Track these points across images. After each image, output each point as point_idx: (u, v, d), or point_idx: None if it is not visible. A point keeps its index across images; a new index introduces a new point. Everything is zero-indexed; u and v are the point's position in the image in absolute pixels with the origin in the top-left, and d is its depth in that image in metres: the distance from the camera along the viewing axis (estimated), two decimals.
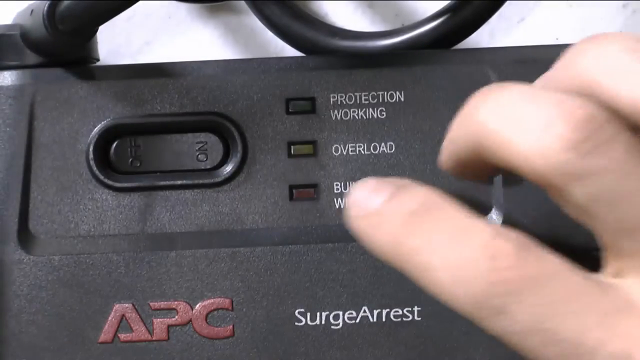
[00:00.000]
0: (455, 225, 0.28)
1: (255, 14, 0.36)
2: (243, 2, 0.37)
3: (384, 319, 0.32)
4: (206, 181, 0.33)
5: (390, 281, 0.32)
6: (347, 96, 0.33)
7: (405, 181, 0.29)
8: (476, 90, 0.27)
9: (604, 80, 0.28)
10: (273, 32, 0.36)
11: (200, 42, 0.40)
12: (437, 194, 0.29)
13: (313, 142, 0.33)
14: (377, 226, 0.29)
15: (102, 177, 0.33)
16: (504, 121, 0.27)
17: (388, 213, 0.28)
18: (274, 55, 0.39)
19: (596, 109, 0.27)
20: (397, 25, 0.38)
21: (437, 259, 0.28)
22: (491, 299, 0.27)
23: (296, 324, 0.33)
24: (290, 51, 0.37)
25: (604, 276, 0.28)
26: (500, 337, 0.28)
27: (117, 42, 0.40)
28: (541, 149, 0.27)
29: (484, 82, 0.31)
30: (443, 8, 0.36)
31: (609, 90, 0.27)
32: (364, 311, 0.32)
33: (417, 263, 0.28)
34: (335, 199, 0.33)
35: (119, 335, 0.32)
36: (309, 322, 0.32)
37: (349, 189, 0.31)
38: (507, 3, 0.35)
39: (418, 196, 0.29)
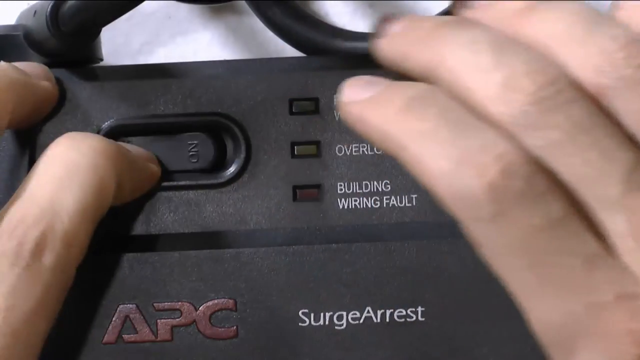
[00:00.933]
0: (462, 117, 0.26)
1: (257, 15, 0.36)
2: (243, 2, 0.37)
3: (387, 320, 0.32)
4: (210, 182, 0.33)
5: (393, 281, 0.32)
6: None
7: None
8: None
9: (563, 46, 0.27)
10: (275, 33, 0.36)
11: (200, 42, 0.40)
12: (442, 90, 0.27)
13: (316, 143, 0.33)
14: (371, 109, 0.27)
15: None
16: (469, 64, 0.26)
17: (384, 97, 0.27)
18: (274, 56, 0.39)
19: (560, 73, 0.26)
20: None
21: (436, 148, 0.26)
22: (487, 203, 0.25)
23: (300, 324, 0.32)
24: (290, 51, 0.37)
25: None
26: (480, 246, 0.26)
27: (117, 42, 0.40)
28: (502, 98, 0.26)
29: None
30: (445, 9, 0.36)
31: (566, 59, 0.27)
32: (368, 311, 0.32)
33: (413, 151, 0.26)
34: (338, 200, 0.33)
35: (123, 336, 0.32)
36: (312, 322, 0.32)
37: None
38: None
39: (420, 85, 0.27)
